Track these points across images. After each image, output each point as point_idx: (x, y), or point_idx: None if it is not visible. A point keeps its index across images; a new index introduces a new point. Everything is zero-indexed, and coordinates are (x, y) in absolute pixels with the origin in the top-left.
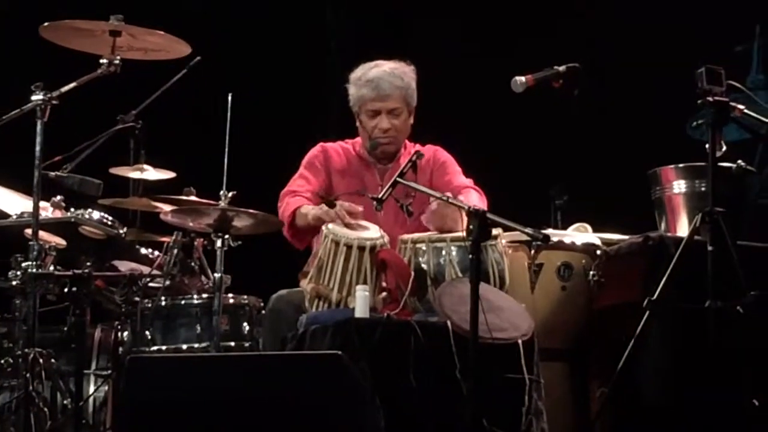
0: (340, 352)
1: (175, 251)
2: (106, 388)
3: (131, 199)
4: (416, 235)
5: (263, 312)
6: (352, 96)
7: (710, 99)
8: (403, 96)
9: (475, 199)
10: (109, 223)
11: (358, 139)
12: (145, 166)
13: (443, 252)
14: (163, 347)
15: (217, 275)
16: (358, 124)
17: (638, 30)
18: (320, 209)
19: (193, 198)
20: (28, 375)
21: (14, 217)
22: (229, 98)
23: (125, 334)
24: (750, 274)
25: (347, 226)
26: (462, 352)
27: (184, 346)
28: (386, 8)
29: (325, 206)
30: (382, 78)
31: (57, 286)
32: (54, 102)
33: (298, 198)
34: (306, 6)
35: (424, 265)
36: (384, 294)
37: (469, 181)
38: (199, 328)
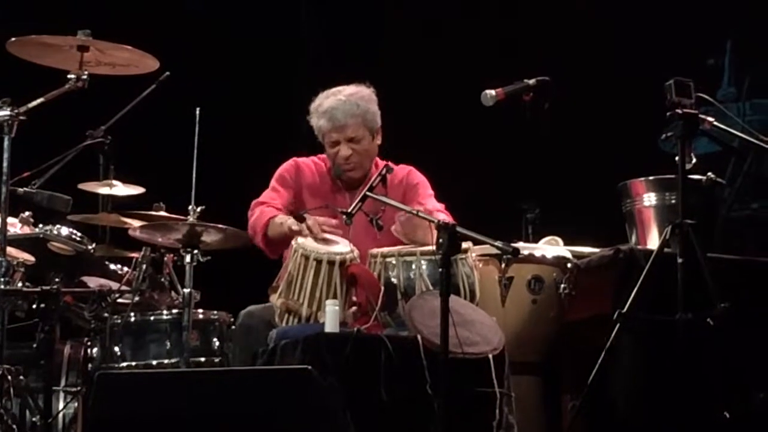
0: (310, 367)
1: (144, 267)
2: (76, 404)
3: (100, 214)
4: (386, 249)
5: (233, 327)
6: (314, 126)
7: (679, 111)
8: (360, 123)
9: None
10: (78, 238)
11: None
12: (114, 182)
13: (413, 266)
14: (133, 363)
15: (186, 290)
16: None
17: (609, 42)
18: (296, 223)
19: (162, 213)
20: None
21: None
22: (197, 113)
23: (95, 350)
24: (720, 286)
25: (317, 240)
26: (433, 366)
27: (154, 362)
28: (355, 25)
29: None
30: (337, 108)
31: (25, 302)
32: (21, 117)
33: (270, 208)
34: (275, 22)
35: (394, 279)
36: (354, 308)
37: (440, 206)
38: (168, 343)
